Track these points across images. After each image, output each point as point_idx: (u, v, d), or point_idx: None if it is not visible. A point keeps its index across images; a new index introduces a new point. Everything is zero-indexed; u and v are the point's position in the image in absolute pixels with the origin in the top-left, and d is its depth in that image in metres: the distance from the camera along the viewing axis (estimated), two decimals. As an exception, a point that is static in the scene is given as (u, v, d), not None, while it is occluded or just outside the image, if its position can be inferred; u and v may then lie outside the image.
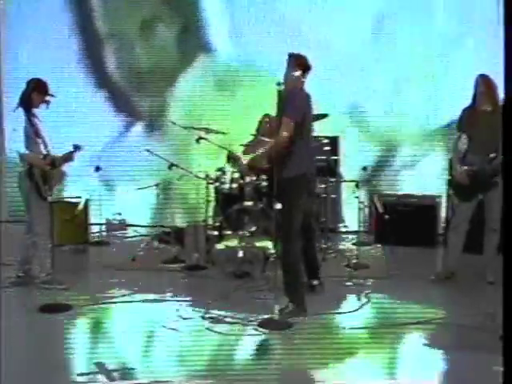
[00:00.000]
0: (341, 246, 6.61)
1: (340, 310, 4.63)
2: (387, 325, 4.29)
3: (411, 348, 4.01)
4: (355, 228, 6.61)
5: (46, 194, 5.02)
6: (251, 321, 4.28)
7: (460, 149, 5.33)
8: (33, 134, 5.06)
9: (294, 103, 4.46)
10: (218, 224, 6.29)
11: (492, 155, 5.03)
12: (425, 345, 4.03)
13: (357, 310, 4.64)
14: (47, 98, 5.17)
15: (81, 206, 6.60)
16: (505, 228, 2.81)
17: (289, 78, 4.51)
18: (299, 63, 4.55)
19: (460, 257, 5.42)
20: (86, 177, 7.09)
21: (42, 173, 5.03)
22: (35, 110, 5.15)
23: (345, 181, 6.46)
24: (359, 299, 4.91)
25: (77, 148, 5.30)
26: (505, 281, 2.71)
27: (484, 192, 5.20)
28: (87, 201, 6.90)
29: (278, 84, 4.31)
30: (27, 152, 5.01)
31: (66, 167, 5.39)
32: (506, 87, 2.94)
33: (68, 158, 5.30)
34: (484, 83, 5.12)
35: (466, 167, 5.21)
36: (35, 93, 5.13)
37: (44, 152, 5.11)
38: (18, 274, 5.25)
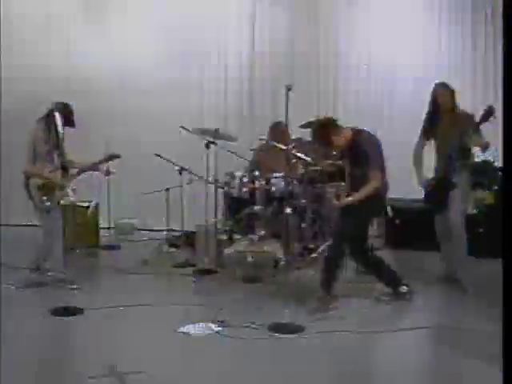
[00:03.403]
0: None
1: (349, 314, 4.62)
2: (396, 329, 4.29)
3: (418, 352, 4.01)
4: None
5: (42, 204, 5.15)
6: (261, 325, 4.29)
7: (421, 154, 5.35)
8: (45, 150, 5.22)
9: (375, 153, 4.69)
10: (228, 228, 6.31)
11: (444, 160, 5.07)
12: (433, 349, 4.03)
13: (366, 313, 4.64)
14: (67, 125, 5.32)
15: (91, 210, 6.63)
16: (505, 228, 2.81)
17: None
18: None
19: (460, 261, 5.31)
20: (96, 180, 7.11)
21: (42, 184, 5.15)
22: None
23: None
24: (369, 303, 4.91)
25: (109, 158, 5.64)
26: (505, 281, 2.71)
27: (445, 197, 5.10)
28: (97, 204, 6.93)
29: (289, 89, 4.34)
30: (30, 166, 5.24)
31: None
32: (506, 89, 2.94)
33: (93, 167, 5.58)
34: (441, 91, 5.13)
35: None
36: (59, 116, 5.16)
37: (48, 164, 5.25)
38: (30, 267, 5.41)
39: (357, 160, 4.66)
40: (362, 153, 4.62)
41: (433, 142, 5.35)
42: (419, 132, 5.40)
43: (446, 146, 5.10)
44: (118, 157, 5.74)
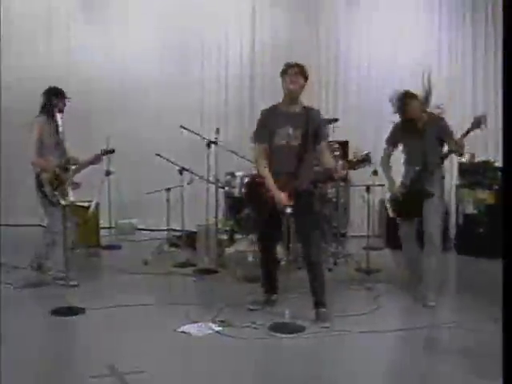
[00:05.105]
0: (351, 251, 6.59)
1: (350, 314, 4.61)
2: (397, 329, 4.29)
3: (420, 353, 4.00)
4: (365, 232, 6.59)
5: (55, 199, 5.13)
6: (262, 324, 4.29)
7: (390, 163, 5.21)
8: (52, 141, 5.23)
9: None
10: (228, 228, 6.31)
11: (419, 168, 4.92)
12: (434, 350, 4.03)
13: (367, 313, 4.64)
14: (65, 102, 5.34)
15: (92, 210, 6.62)
16: (505, 228, 2.81)
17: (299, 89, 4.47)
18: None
19: (420, 262, 5.13)
20: (97, 180, 7.10)
21: (52, 179, 5.16)
22: (57, 116, 5.20)
23: (356, 185, 6.46)
24: (369, 303, 4.91)
25: (106, 152, 5.64)
26: (505, 281, 2.71)
27: (420, 205, 4.94)
28: (98, 204, 6.93)
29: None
30: (38, 158, 5.20)
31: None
32: (506, 90, 2.94)
33: (93, 161, 5.52)
34: (408, 97, 4.91)
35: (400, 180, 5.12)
36: (55, 99, 5.27)
37: (56, 158, 5.27)
38: (32, 265, 5.43)
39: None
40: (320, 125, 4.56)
41: (402, 148, 5.18)
42: (386, 140, 5.23)
43: (417, 152, 4.95)
44: (112, 151, 5.81)
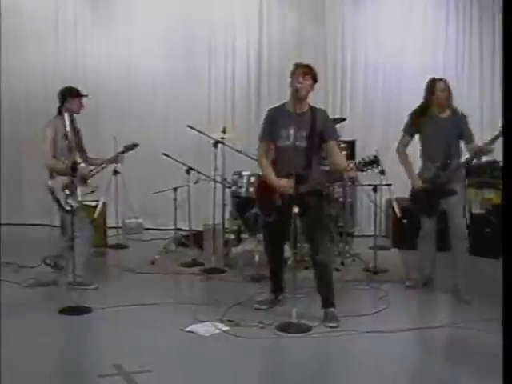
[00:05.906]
0: (358, 250, 6.58)
1: (357, 314, 4.60)
2: (405, 329, 4.28)
3: (428, 353, 4.00)
4: (372, 232, 6.58)
5: (68, 205, 5.02)
6: (269, 324, 4.29)
7: (406, 152, 5.21)
8: (65, 143, 5.07)
9: None
10: (235, 227, 6.31)
11: (440, 163, 4.96)
12: (440, 350, 4.03)
13: (374, 313, 4.63)
14: (81, 100, 5.31)
15: (99, 210, 6.63)
16: (504, 228, 2.80)
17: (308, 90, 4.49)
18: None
19: (434, 262, 5.32)
20: (104, 180, 7.11)
21: (65, 184, 5.05)
22: (72, 117, 5.16)
23: (362, 185, 6.45)
24: (376, 303, 4.90)
25: (128, 149, 5.58)
26: (505, 281, 2.70)
27: (443, 200, 5.01)
28: (105, 204, 6.94)
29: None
30: (53, 161, 5.15)
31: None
32: (505, 89, 2.94)
33: (113, 160, 5.54)
34: (441, 87, 5.00)
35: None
36: (70, 100, 5.23)
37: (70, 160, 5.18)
38: (46, 261, 5.48)
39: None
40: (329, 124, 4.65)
41: (419, 139, 5.19)
42: (403, 128, 5.24)
43: (438, 144, 4.97)
44: (136, 145, 5.72)
